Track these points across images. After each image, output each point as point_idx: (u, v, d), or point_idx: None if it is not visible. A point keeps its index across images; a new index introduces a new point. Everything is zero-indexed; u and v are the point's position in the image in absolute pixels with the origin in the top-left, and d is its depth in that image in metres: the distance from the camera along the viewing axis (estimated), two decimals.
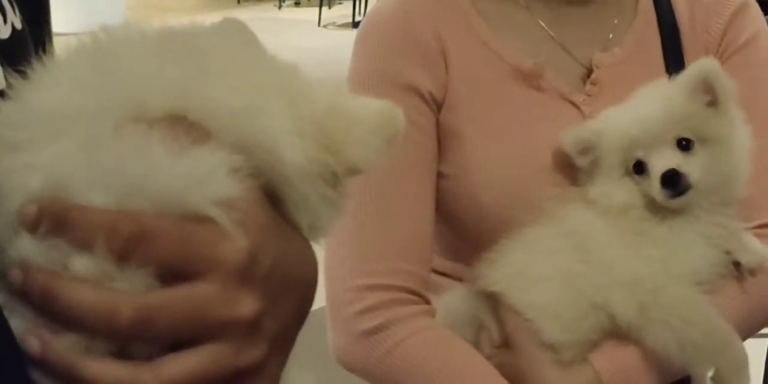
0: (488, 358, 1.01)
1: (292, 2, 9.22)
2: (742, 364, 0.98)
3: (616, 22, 1.13)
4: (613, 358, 0.99)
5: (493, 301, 1.03)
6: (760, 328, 1.10)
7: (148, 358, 0.44)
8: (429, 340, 1.00)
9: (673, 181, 0.96)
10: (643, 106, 1.01)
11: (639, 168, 0.99)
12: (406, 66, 1.06)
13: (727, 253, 1.02)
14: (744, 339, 1.01)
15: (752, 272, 1.03)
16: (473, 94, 1.07)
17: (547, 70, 1.08)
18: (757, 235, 1.05)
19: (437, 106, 1.07)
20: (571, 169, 1.05)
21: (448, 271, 1.12)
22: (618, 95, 1.06)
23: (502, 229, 1.03)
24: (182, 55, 0.49)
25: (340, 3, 8.83)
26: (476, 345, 1.03)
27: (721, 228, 1.01)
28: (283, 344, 0.50)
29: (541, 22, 1.11)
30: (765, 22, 1.18)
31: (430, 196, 1.07)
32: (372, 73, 1.06)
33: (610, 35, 1.13)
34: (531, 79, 1.08)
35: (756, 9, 1.16)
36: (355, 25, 7.39)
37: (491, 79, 1.08)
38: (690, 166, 0.97)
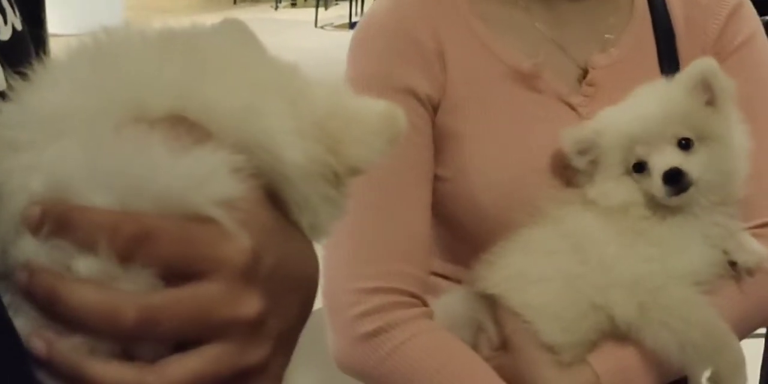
0: (487, 360, 1.01)
1: (289, 3, 9.22)
2: (740, 364, 0.98)
3: (612, 22, 1.14)
4: (612, 358, 0.99)
5: (491, 302, 1.03)
6: (756, 328, 1.10)
7: (153, 359, 0.44)
8: (428, 343, 1.00)
9: (675, 179, 0.96)
10: (642, 105, 1.02)
11: (639, 167, 1.00)
12: (403, 68, 1.06)
13: (725, 252, 1.02)
14: (741, 339, 1.02)
15: (750, 272, 1.03)
16: (471, 96, 1.07)
17: (544, 71, 1.08)
18: (756, 235, 1.05)
19: (434, 108, 1.07)
20: (569, 171, 1.05)
21: (446, 273, 1.13)
22: (614, 96, 1.06)
23: (501, 231, 1.03)
24: (182, 55, 0.49)
25: (336, 4, 8.83)
26: (475, 347, 1.03)
27: (720, 227, 1.01)
28: (286, 344, 0.50)
29: (538, 23, 1.11)
30: (760, 22, 1.18)
31: (428, 199, 1.07)
32: (369, 75, 1.06)
33: (607, 36, 1.13)
34: (529, 80, 1.08)
35: (751, 9, 1.17)
36: (352, 25, 7.39)
37: (489, 80, 1.08)
38: (690, 164, 0.97)
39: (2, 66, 0.49)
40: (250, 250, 0.45)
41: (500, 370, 1.00)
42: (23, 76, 0.48)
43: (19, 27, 0.53)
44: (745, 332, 1.06)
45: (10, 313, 0.42)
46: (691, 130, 0.99)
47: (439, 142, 1.07)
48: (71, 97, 0.47)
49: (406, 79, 1.05)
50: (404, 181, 1.04)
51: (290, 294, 0.49)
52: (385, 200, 1.03)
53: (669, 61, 1.12)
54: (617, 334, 0.99)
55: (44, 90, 0.47)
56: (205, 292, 0.45)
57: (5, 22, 0.51)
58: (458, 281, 1.10)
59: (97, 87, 0.47)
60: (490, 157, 1.06)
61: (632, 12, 1.15)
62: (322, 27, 7.78)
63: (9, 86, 0.48)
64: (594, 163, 1.02)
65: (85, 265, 0.43)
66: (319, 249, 0.57)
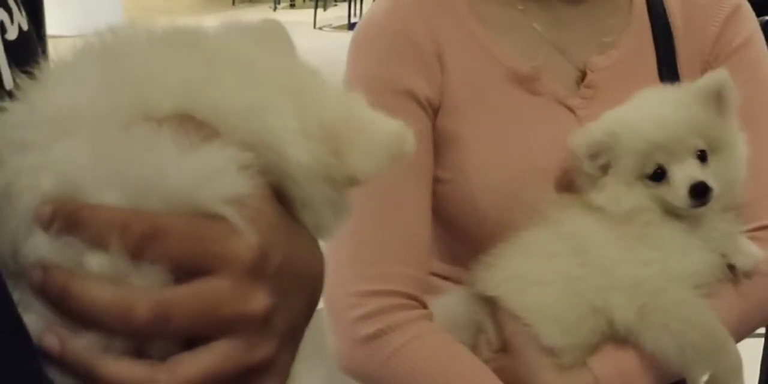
0: (487, 362, 1.01)
1: (288, 4, 9.22)
2: (737, 367, 0.99)
3: (610, 24, 1.14)
4: (612, 361, 0.99)
5: (491, 304, 1.03)
6: (754, 330, 1.11)
7: (163, 356, 0.45)
8: (429, 345, 1.01)
9: (702, 193, 0.98)
10: (661, 112, 1.01)
11: (657, 174, 1.00)
12: (402, 71, 1.06)
13: (723, 255, 1.03)
14: (739, 341, 1.02)
15: (747, 275, 1.03)
16: (470, 98, 1.07)
17: (543, 74, 1.08)
18: (753, 238, 1.06)
19: (434, 110, 1.07)
20: (569, 173, 1.05)
21: (445, 275, 1.13)
22: (613, 98, 1.06)
23: (500, 233, 1.03)
24: (188, 54, 0.50)
25: (335, 5, 8.84)
26: (474, 348, 1.03)
27: (719, 231, 1.02)
28: (292, 340, 0.50)
29: (536, 25, 1.11)
30: (758, 23, 1.18)
31: (428, 201, 1.07)
32: (368, 78, 1.06)
33: (605, 38, 1.13)
34: (527, 82, 1.08)
35: (749, 11, 1.17)
36: (351, 26, 7.40)
37: (488, 82, 1.08)
38: (709, 177, 0.99)
39: (9, 65, 0.50)
40: (258, 247, 0.46)
41: (500, 373, 1.00)
42: (30, 75, 0.48)
43: (25, 27, 0.53)
44: (744, 334, 1.06)
45: (20, 311, 0.43)
46: (706, 140, 1.00)
47: (439, 144, 1.07)
48: (78, 97, 0.47)
49: (406, 81, 1.06)
50: (404, 183, 1.04)
51: (297, 291, 0.50)
52: (385, 202, 1.03)
53: (668, 64, 1.12)
54: (617, 337, 0.99)
55: (51, 89, 0.48)
56: (214, 288, 0.45)
57: (12, 21, 0.52)
58: (457, 282, 1.10)
59: (104, 86, 0.47)
60: (489, 159, 1.06)
61: (631, 14, 1.15)
62: (320, 28, 7.78)
63: (16, 85, 0.48)
64: (603, 167, 1.01)
65: (96, 262, 0.44)
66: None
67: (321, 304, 0.54)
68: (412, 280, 1.04)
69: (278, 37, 0.55)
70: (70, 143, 0.45)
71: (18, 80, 0.48)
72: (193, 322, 0.45)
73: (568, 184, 1.06)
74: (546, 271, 1.01)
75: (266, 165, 0.47)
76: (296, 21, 7.75)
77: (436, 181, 1.08)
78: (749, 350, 1.03)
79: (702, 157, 1.00)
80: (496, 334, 1.03)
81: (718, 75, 1.03)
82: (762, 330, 1.52)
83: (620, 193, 1.00)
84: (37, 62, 0.49)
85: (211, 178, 0.45)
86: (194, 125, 0.46)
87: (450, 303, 1.07)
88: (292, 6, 9.23)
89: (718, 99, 1.01)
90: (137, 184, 0.44)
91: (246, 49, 0.52)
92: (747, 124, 1.04)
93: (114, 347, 0.44)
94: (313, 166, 0.49)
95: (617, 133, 1.00)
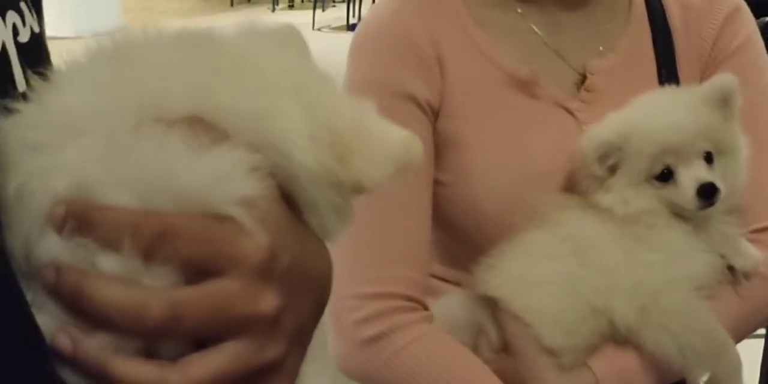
0: (488, 363, 1.01)
1: (286, 5, 9.23)
2: (737, 368, 0.99)
3: (609, 27, 1.14)
4: (612, 362, 0.99)
5: (491, 305, 1.04)
6: (753, 331, 1.11)
7: (174, 357, 0.45)
8: (430, 347, 1.01)
9: (710, 194, 0.99)
10: (672, 114, 1.02)
11: (664, 176, 1.00)
12: (403, 74, 1.06)
13: (722, 257, 1.03)
14: (738, 342, 1.02)
15: (746, 276, 1.04)
16: (470, 102, 1.08)
17: (542, 77, 1.09)
18: (752, 241, 1.06)
19: (434, 113, 1.08)
20: (572, 175, 1.05)
21: (445, 277, 1.13)
22: (612, 101, 1.07)
23: (500, 235, 1.04)
24: (199, 57, 0.50)
25: (333, 5, 8.85)
26: (475, 349, 1.04)
27: (720, 234, 1.02)
28: (300, 341, 0.50)
29: (535, 28, 1.12)
30: (756, 25, 1.19)
31: (428, 203, 1.08)
32: (369, 81, 1.07)
33: (604, 41, 1.13)
34: (526, 86, 1.08)
35: (747, 13, 1.17)
36: (350, 27, 7.40)
37: (487, 86, 1.08)
38: (716, 178, 0.99)
39: (22, 67, 0.50)
40: (267, 248, 0.46)
41: (501, 374, 1.00)
42: (43, 77, 0.49)
43: (36, 29, 0.54)
44: (743, 335, 1.07)
45: (33, 311, 0.43)
46: (713, 143, 1.01)
47: (439, 147, 1.08)
48: (91, 98, 0.47)
49: (406, 84, 1.06)
50: (404, 186, 1.05)
51: (305, 292, 0.50)
52: (386, 205, 1.04)
53: (667, 66, 1.13)
54: (617, 338, 1.00)
55: (64, 91, 0.48)
56: (224, 289, 0.46)
57: (24, 24, 0.52)
58: (457, 284, 1.11)
59: (115, 88, 0.48)
60: (490, 162, 1.06)
61: (629, 17, 1.15)
62: (319, 29, 7.79)
63: (29, 87, 0.48)
64: (611, 168, 1.01)
65: (108, 262, 0.44)
66: None
67: None
68: (413, 282, 1.05)
69: (293, 41, 0.56)
70: (83, 145, 0.45)
71: (31, 81, 0.48)
72: (204, 322, 0.45)
73: (569, 186, 1.06)
74: (547, 272, 1.01)
75: (274, 167, 0.48)
76: (295, 22, 7.70)
77: (437, 183, 1.08)
78: (749, 351, 1.03)
79: (708, 158, 1.01)
80: (497, 335, 1.04)
81: (725, 79, 1.03)
82: (762, 331, 1.52)
83: (628, 194, 1.00)
84: (48, 64, 0.50)
85: (221, 180, 0.46)
86: (204, 127, 0.47)
87: (450, 304, 1.08)
88: (291, 7, 9.24)
89: (723, 102, 1.02)
90: (148, 186, 0.45)
91: (257, 53, 0.53)
92: (746, 126, 1.05)
93: (126, 347, 0.44)
94: (318, 170, 0.49)
95: (628, 135, 1.00)
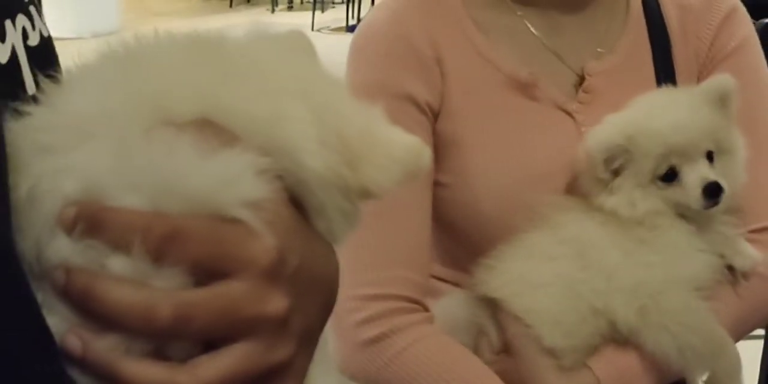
0: (488, 364, 1.02)
1: (285, 6, 9.22)
2: (736, 368, 1.00)
3: (607, 29, 1.15)
4: (612, 363, 1.00)
5: (492, 306, 1.04)
6: (752, 330, 1.12)
7: (184, 358, 0.45)
8: (430, 348, 1.01)
9: (715, 193, 0.99)
10: (677, 114, 1.02)
11: (669, 176, 1.00)
12: (403, 75, 1.07)
13: (721, 257, 1.03)
14: (737, 341, 1.03)
15: (745, 276, 1.04)
16: (469, 103, 1.08)
17: (541, 79, 1.09)
18: (751, 240, 1.07)
19: (434, 115, 1.08)
20: (573, 177, 1.06)
21: (445, 278, 1.14)
22: (610, 102, 1.07)
23: (500, 236, 1.04)
24: (210, 61, 0.51)
25: (333, 7, 8.84)
26: (475, 351, 1.04)
27: (719, 234, 1.03)
28: (308, 342, 0.51)
29: (534, 30, 1.12)
30: (753, 26, 1.19)
31: (428, 205, 1.08)
32: (369, 83, 1.07)
33: (602, 43, 1.14)
34: (525, 88, 1.09)
35: (744, 14, 1.18)
36: (349, 29, 7.40)
37: (487, 88, 1.09)
38: (720, 177, 1.00)
39: (31, 71, 0.51)
40: (275, 250, 0.47)
41: (502, 375, 1.01)
42: (52, 80, 0.49)
43: (45, 33, 0.54)
44: (742, 335, 1.07)
45: (43, 313, 0.43)
46: (714, 143, 1.02)
47: (439, 149, 1.08)
48: (101, 101, 0.48)
49: (406, 86, 1.06)
50: (405, 188, 1.05)
51: (313, 293, 0.51)
52: (386, 206, 1.04)
53: (665, 68, 1.13)
54: (617, 339, 1.00)
55: (75, 94, 0.49)
56: (233, 291, 0.46)
57: (33, 27, 0.53)
58: (457, 285, 1.11)
59: (126, 91, 0.48)
60: (489, 164, 1.07)
61: (627, 19, 1.16)
62: (318, 30, 7.78)
63: (39, 89, 0.49)
64: (615, 171, 1.01)
65: (118, 264, 0.44)
66: None
67: None
68: (413, 283, 1.05)
69: (301, 46, 0.56)
70: (93, 147, 0.46)
71: (42, 84, 0.49)
72: (213, 323, 0.45)
73: (569, 188, 1.07)
74: (547, 274, 1.02)
75: (282, 171, 0.48)
76: (294, 23, 7.74)
77: (436, 184, 1.09)
78: (748, 352, 1.03)
79: (710, 158, 1.01)
80: (497, 336, 1.04)
81: (723, 78, 1.04)
82: (761, 332, 1.53)
83: (635, 196, 1.01)
84: (57, 67, 0.51)
85: (231, 183, 0.46)
86: (214, 130, 0.47)
87: (451, 305, 1.08)
88: (290, 8, 9.23)
89: (722, 102, 1.02)
90: (158, 188, 0.45)
91: (267, 57, 0.53)
92: (744, 126, 1.05)
93: (135, 349, 0.45)
94: (327, 175, 0.50)
95: (634, 136, 1.00)
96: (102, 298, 0.44)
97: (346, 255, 1.03)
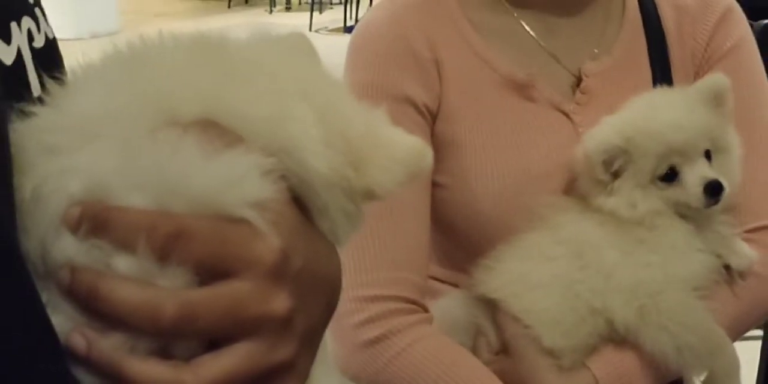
0: (487, 364, 1.02)
1: (283, 7, 9.22)
2: (735, 368, 1.00)
3: (603, 30, 1.15)
4: (611, 363, 1.00)
5: (490, 307, 1.04)
6: (749, 329, 1.12)
7: (188, 357, 0.46)
8: (430, 349, 1.02)
9: (717, 191, 1.00)
10: (675, 114, 1.02)
11: (669, 176, 1.01)
12: (400, 77, 1.07)
13: (718, 256, 1.04)
14: (733, 340, 1.03)
15: (741, 275, 1.05)
16: (467, 105, 1.08)
17: (538, 81, 1.09)
18: (746, 240, 1.07)
19: (432, 116, 1.08)
20: (571, 178, 1.06)
21: (443, 278, 1.14)
22: (607, 103, 1.08)
23: (498, 237, 1.04)
24: (213, 62, 0.51)
25: (331, 8, 8.84)
26: (473, 351, 1.04)
27: (716, 233, 1.03)
28: (311, 342, 0.51)
29: (531, 31, 1.13)
30: (749, 27, 1.20)
31: (426, 206, 1.08)
32: (367, 84, 1.07)
33: (599, 44, 1.14)
34: (523, 89, 1.09)
35: (740, 14, 1.18)
36: (347, 29, 7.40)
37: (484, 89, 1.09)
38: (718, 175, 1.01)
39: (37, 72, 0.51)
40: (279, 250, 0.47)
41: (501, 375, 1.01)
42: (58, 81, 0.49)
43: (51, 35, 0.55)
44: (738, 334, 1.08)
45: (48, 312, 0.44)
46: (712, 141, 1.02)
47: (437, 150, 1.08)
48: (106, 102, 0.48)
49: (404, 87, 1.07)
50: (403, 189, 1.05)
51: (316, 293, 0.51)
52: (385, 208, 1.04)
53: (661, 68, 1.14)
54: (616, 339, 1.00)
55: (79, 94, 0.49)
56: (237, 290, 0.46)
57: (39, 30, 0.53)
58: (454, 285, 1.11)
59: (131, 92, 0.49)
60: (487, 165, 1.07)
61: (623, 20, 1.16)
62: (316, 31, 7.78)
63: (45, 91, 0.49)
64: (616, 172, 1.01)
65: (123, 263, 0.45)
66: None
67: None
68: (412, 284, 1.05)
69: (303, 48, 0.56)
70: (98, 147, 0.46)
71: (48, 85, 0.49)
72: (216, 322, 0.46)
73: (567, 188, 1.07)
74: (546, 274, 1.02)
75: (286, 171, 0.48)
76: (292, 24, 7.74)
77: (435, 185, 1.09)
78: (746, 353, 1.04)
79: (708, 157, 1.02)
80: (496, 336, 1.04)
81: (717, 78, 1.05)
82: (759, 332, 1.53)
83: (636, 197, 1.01)
84: (62, 69, 0.51)
85: (235, 183, 0.46)
86: (218, 131, 0.48)
87: (449, 306, 1.08)
88: (288, 9, 9.23)
89: (717, 101, 1.03)
90: (163, 188, 0.46)
91: (270, 59, 0.53)
92: (740, 126, 1.06)
93: (139, 348, 0.45)
94: (331, 175, 0.50)
95: (632, 137, 1.01)
96: (107, 297, 0.44)
97: (345, 256, 1.04)
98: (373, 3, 7.05)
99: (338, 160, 0.50)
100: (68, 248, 0.45)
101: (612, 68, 1.13)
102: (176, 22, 7.72)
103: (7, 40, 0.49)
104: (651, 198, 1.01)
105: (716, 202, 1.00)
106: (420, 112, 1.07)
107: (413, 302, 1.05)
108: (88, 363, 0.44)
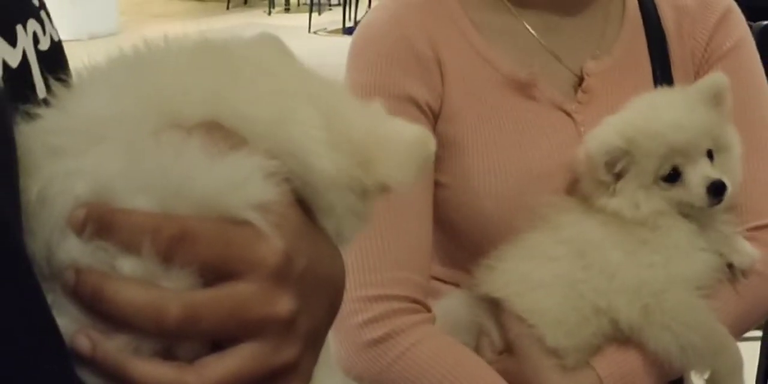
0: (490, 364, 1.02)
1: (282, 8, 9.21)
2: (738, 366, 1.00)
3: (604, 30, 1.15)
4: (614, 362, 1.00)
5: (493, 306, 1.04)
6: (751, 327, 1.13)
7: (191, 358, 0.46)
8: (433, 348, 1.02)
9: (720, 191, 1.00)
10: (676, 115, 1.02)
11: (672, 176, 1.01)
12: (403, 77, 1.07)
13: (720, 255, 1.04)
14: (736, 339, 1.03)
15: (744, 274, 1.05)
16: (469, 104, 1.08)
17: (540, 80, 1.10)
18: (748, 238, 1.07)
19: (434, 116, 1.09)
20: (570, 179, 1.06)
21: (445, 278, 1.14)
22: (608, 102, 1.08)
23: (501, 236, 1.05)
24: (217, 65, 0.51)
25: (330, 9, 8.83)
26: (476, 350, 1.04)
27: (718, 232, 1.04)
28: (314, 344, 0.51)
29: (532, 31, 1.13)
30: (748, 27, 1.20)
31: (429, 205, 1.08)
32: (369, 84, 1.07)
33: (599, 43, 1.14)
34: (525, 88, 1.09)
35: (739, 14, 1.18)
36: (346, 31, 7.40)
37: (486, 89, 1.09)
38: (721, 175, 1.01)
39: (42, 74, 0.51)
40: (283, 252, 0.47)
41: (504, 374, 1.01)
42: (63, 83, 0.50)
43: (56, 37, 0.55)
44: (740, 333, 1.08)
45: (53, 313, 0.44)
46: (713, 141, 1.02)
47: (439, 150, 1.08)
48: (111, 104, 0.48)
49: (406, 87, 1.07)
50: (405, 189, 1.05)
51: (319, 295, 0.51)
52: (387, 208, 1.04)
53: (662, 68, 1.14)
54: (619, 338, 1.01)
55: (84, 97, 0.49)
56: (241, 292, 0.46)
57: (44, 32, 0.53)
58: (456, 285, 1.11)
59: (135, 95, 0.49)
60: (489, 164, 1.07)
61: (624, 20, 1.16)
62: (315, 32, 7.78)
63: (50, 93, 0.49)
64: (619, 173, 1.01)
65: (128, 265, 0.45)
66: None
67: None
68: (415, 284, 1.05)
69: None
70: (103, 150, 0.46)
71: (53, 88, 0.49)
72: (221, 324, 0.46)
73: (569, 188, 1.07)
74: (549, 274, 1.02)
75: (290, 173, 0.49)
76: (291, 25, 7.75)
77: (437, 185, 1.09)
78: (746, 353, 1.04)
79: (710, 156, 1.02)
80: (499, 335, 1.04)
81: (715, 77, 1.05)
82: (758, 333, 1.54)
83: (639, 198, 1.01)
84: (67, 71, 0.51)
85: (239, 185, 0.46)
86: (222, 134, 0.48)
87: (451, 305, 1.08)
88: (287, 10, 9.22)
89: (716, 100, 1.03)
90: (167, 190, 0.46)
91: (271, 60, 0.54)
92: (739, 126, 1.06)
93: (144, 349, 0.45)
94: (339, 176, 0.50)
95: (634, 138, 1.01)
96: (111, 299, 0.44)
97: (348, 256, 1.04)
98: (372, 4, 7.05)
99: (346, 162, 0.50)
100: (73, 250, 0.45)
101: (613, 67, 1.13)
102: (175, 24, 7.72)
103: (13, 43, 0.49)
104: (654, 198, 1.01)
105: (719, 201, 1.00)
106: (423, 112, 1.07)
107: (416, 302, 1.05)
108: (93, 364, 0.45)
